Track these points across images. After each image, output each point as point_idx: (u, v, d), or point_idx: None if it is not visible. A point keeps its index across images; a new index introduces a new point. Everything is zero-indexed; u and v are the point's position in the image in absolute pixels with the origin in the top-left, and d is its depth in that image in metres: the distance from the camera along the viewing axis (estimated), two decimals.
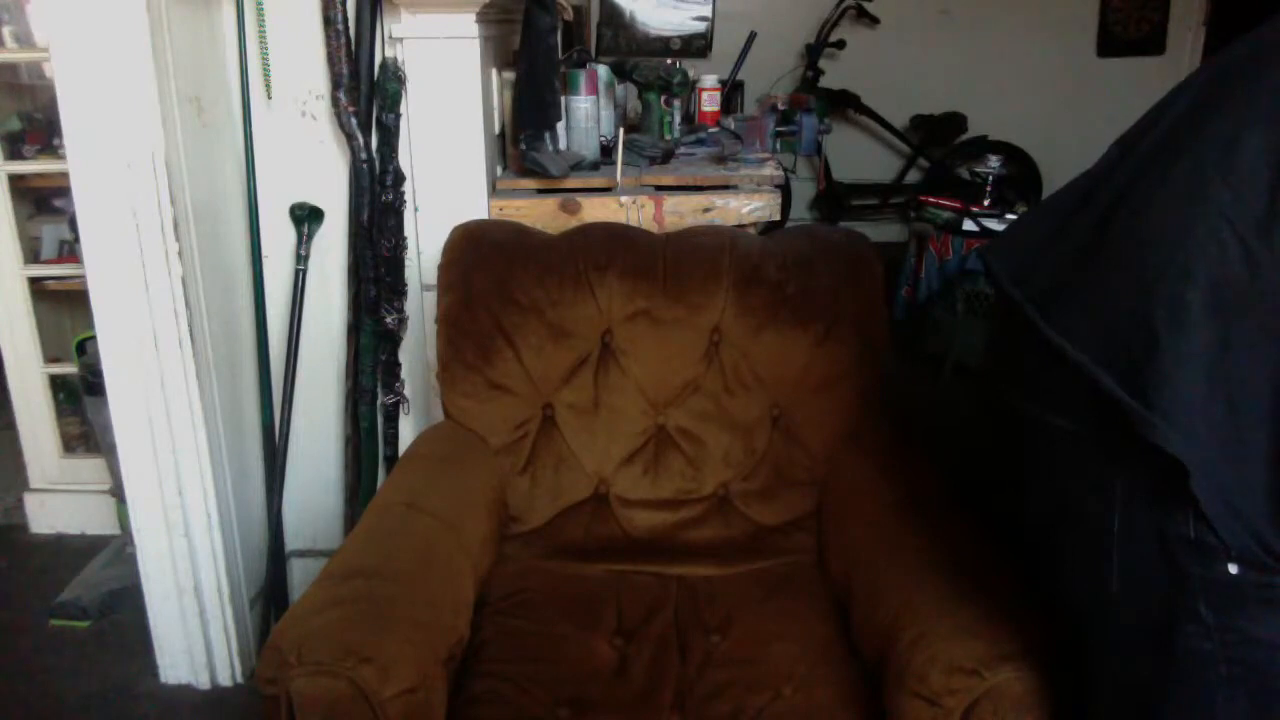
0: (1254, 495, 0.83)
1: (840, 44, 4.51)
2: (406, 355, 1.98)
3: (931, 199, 3.34)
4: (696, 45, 4.64)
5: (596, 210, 1.86)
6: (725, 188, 1.93)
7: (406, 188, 1.87)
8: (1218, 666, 0.87)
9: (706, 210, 1.87)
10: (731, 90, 3.11)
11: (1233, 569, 0.84)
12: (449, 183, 1.86)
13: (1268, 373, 0.81)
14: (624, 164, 1.93)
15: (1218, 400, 0.83)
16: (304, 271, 1.93)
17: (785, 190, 2.89)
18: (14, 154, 2.43)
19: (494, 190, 1.92)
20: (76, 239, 1.80)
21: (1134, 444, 0.85)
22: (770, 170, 2.03)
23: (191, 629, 1.90)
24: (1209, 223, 0.84)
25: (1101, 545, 0.92)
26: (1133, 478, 0.88)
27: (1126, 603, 0.92)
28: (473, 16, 1.75)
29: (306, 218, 1.91)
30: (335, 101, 1.78)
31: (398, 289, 1.90)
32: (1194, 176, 0.86)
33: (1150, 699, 0.92)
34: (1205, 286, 0.83)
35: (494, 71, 1.97)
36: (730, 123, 2.46)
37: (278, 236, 1.93)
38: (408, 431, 2.03)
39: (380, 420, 2.00)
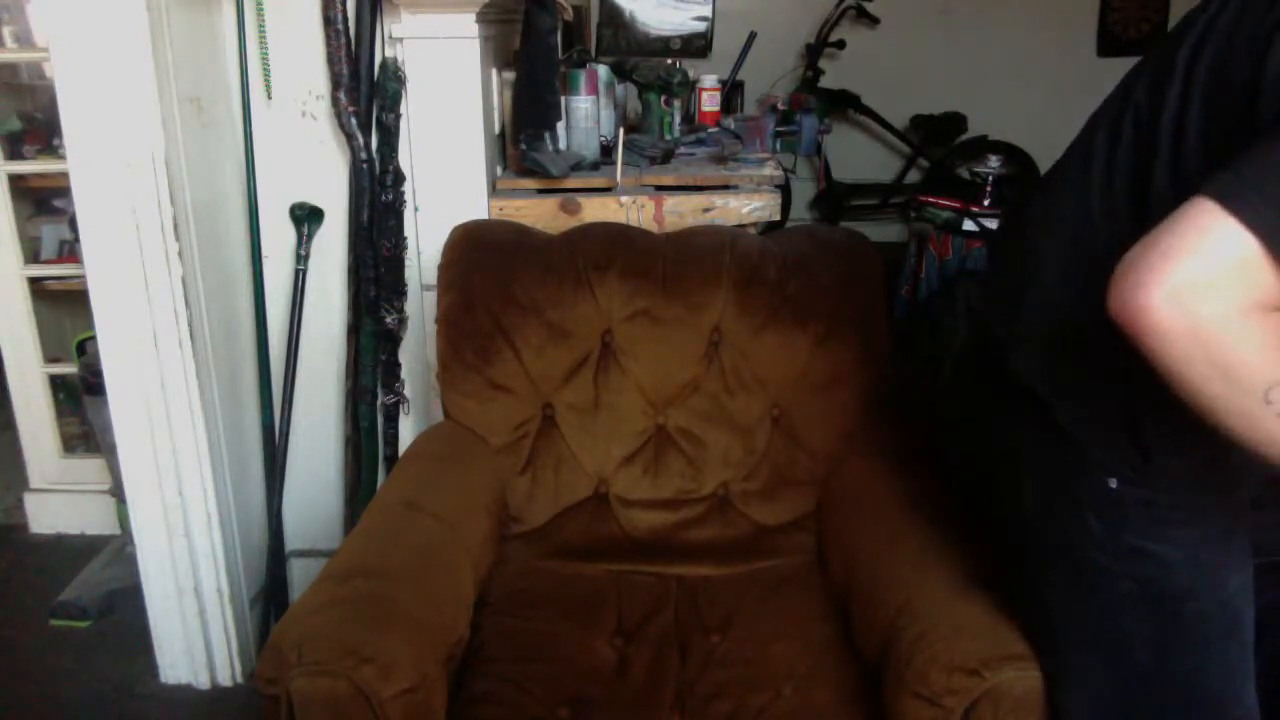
0: (1108, 417, 0.94)
1: (840, 44, 4.50)
2: (406, 355, 1.98)
3: (931, 199, 3.33)
4: (696, 45, 4.63)
5: (596, 210, 1.86)
6: (725, 188, 1.92)
7: (406, 188, 1.87)
8: (1119, 582, 0.96)
9: (706, 210, 1.87)
10: (731, 90, 3.10)
11: (1112, 483, 0.94)
12: (449, 183, 1.86)
13: (1097, 304, 0.90)
14: (624, 164, 1.93)
15: (1066, 333, 0.97)
16: (304, 271, 1.93)
17: (785, 190, 2.89)
18: (14, 154, 2.43)
19: (494, 190, 1.92)
20: (76, 239, 1.80)
21: (1016, 376, 1.01)
22: (770, 170, 2.03)
23: (191, 629, 1.90)
24: (1067, 191, 1.01)
25: (1020, 473, 1.04)
26: (1031, 410, 1.00)
27: (1041, 525, 1.03)
28: (473, 16, 1.75)
29: (306, 218, 1.91)
30: (335, 101, 1.78)
31: (398, 289, 1.90)
32: (1070, 156, 1.03)
33: (1070, 618, 1.02)
34: (1057, 245, 1.01)
35: (494, 71, 1.97)
36: (730, 123, 2.46)
37: (278, 236, 1.93)
38: (408, 431, 2.02)
39: (380, 420, 2.00)
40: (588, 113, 2.00)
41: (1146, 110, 0.93)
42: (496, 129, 2.01)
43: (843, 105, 4.55)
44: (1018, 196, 1.32)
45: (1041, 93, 4.66)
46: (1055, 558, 1.02)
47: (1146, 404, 0.90)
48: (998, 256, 1.18)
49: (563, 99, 1.96)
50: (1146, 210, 0.89)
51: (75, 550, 2.46)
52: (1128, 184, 0.94)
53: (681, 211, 1.87)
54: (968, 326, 1.23)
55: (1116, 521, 0.95)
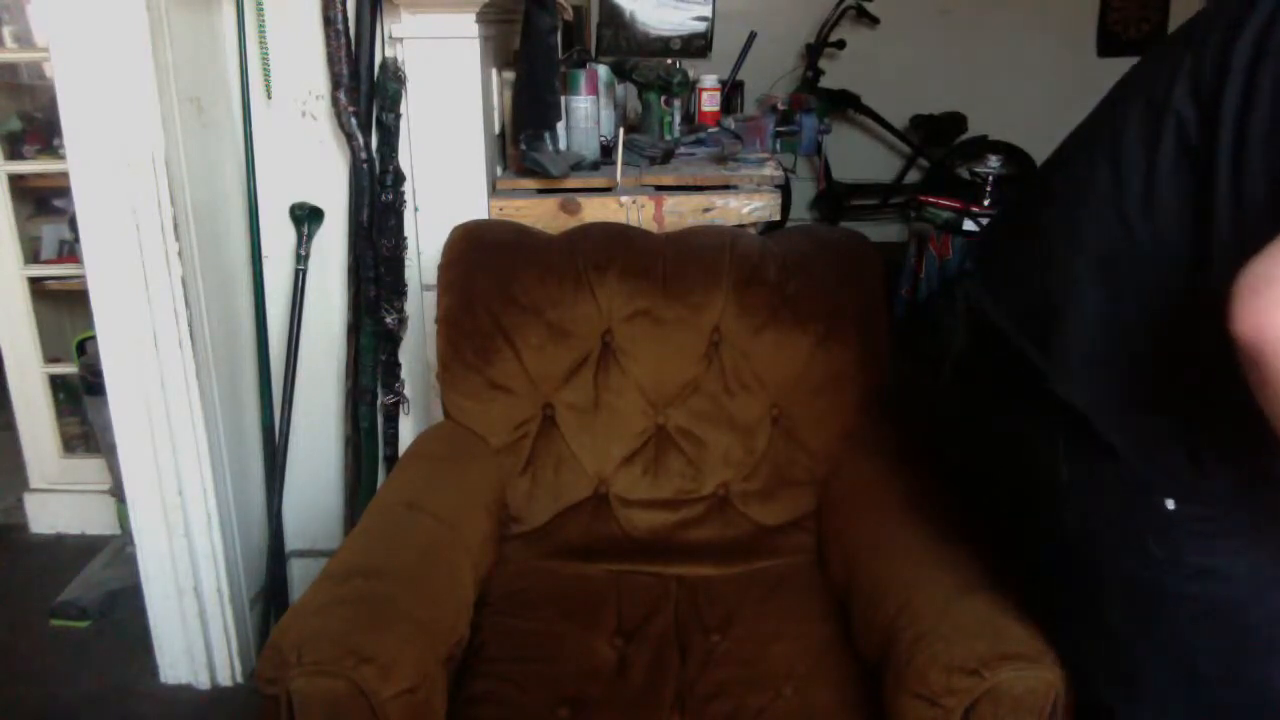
0: (1164, 437, 0.92)
1: (840, 44, 4.50)
2: (406, 355, 1.98)
3: (931, 199, 3.33)
4: (696, 45, 4.63)
5: (596, 210, 1.86)
6: (725, 188, 1.92)
7: (406, 188, 1.87)
8: (1184, 602, 0.94)
9: (706, 210, 1.87)
10: (731, 90, 3.10)
11: (1170, 504, 0.92)
12: (449, 183, 1.86)
13: (1157, 324, 0.88)
14: (624, 164, 1.93)
15: (1113, 351, 0.94)
16: (304, 271, 1.93)
17: (785, 190, 2.89)
18: (14, 154, 2.43)
19: (494, 190, 1.92)
20: (76, 239, 1.80)
21: (1058, 400, 0.96)
22: (770, 170, 2.03)
23: (191, 629, 1.90)
24: (1099, 210, 0.97)
25: (1057, 494, 1.01)
26: (1071, 432, 0.97)
27: (1089, 552, 1.00)
28: (473, 16, 1.75)
29: (306, 218, 1.91)
30: (335, 101, 1.78)
31: (398, 289, 1.90)
32: (1090, 169, 0.99)
33: (1134, 647, 0.99)
34: (1095, 259, 0.96)
35: (494, 71, 1.97)
36: (730, 123, 2.46)
37: (278, 236, 1.93)
38: (408, 431, 2.02)
39: (380, 420, 2.00)
40: (588, 113, 2.00)
41: (1194, 115, 0.90)
42: (496, 129, 2.01)
43: (843, 105, 4.55)
44: (1016, 197, 1.32)
45: (1041, 93, 4.66)
46: (1111, 585, 0.99)
47: (1208, 421, 0.89)
48: (1008, 266, 1.12)
49: (563, 99, 1.96)
50: (1208, 223, 0.86)
51: (75, 550, 2.46)
52: (1174, 194, 0.91)
53: (681, 211, 1.87)
54: (965, 329, 1.21)
55: (1177, 542, 0.93)
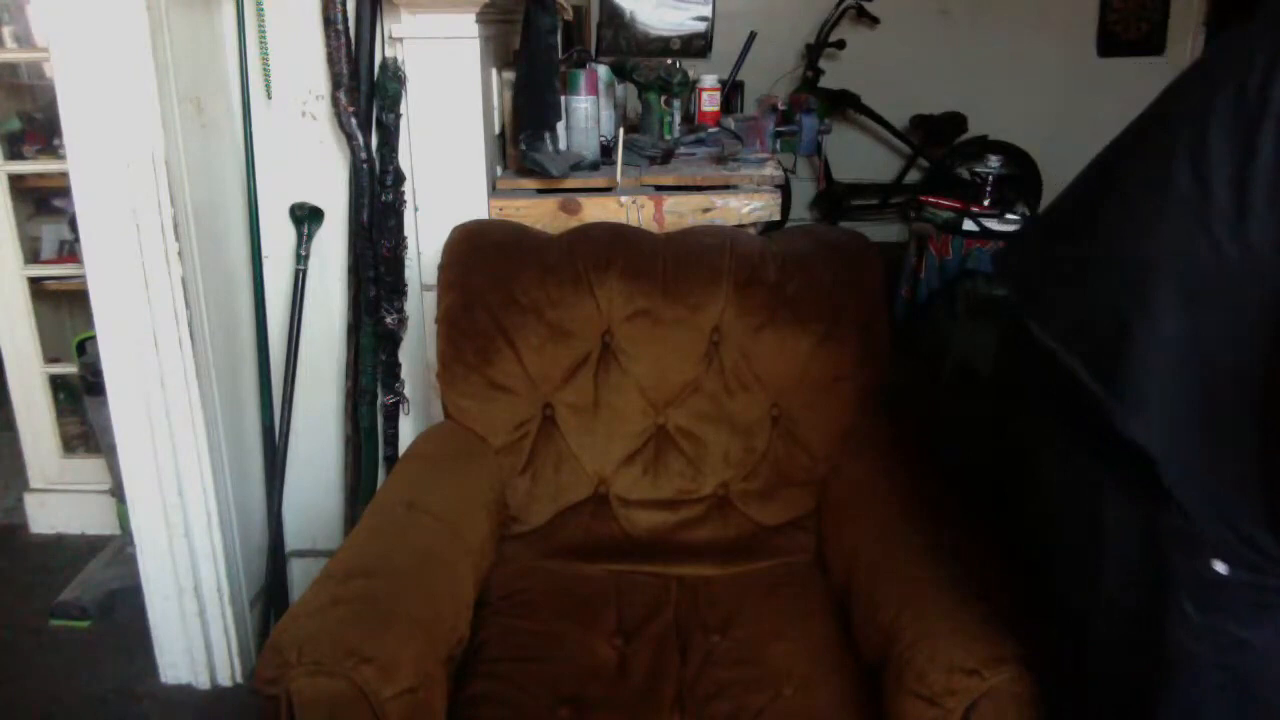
0: (1238, 491, 0.80)
1: (840, 44, 4.51)
2: (406, 355, 1.98)
3: (931, 199, 3.34)
4: (696, 45, 4.63)
5: (596, 210, 1.86)
6: (725, 188, 1.92)
7: (406, 188, 1.87)
8: (1209, 672, 0.84)
9: (706, 210, 1.87)
10: (731, 90, 3.10)
11: (1220, 568, 0.81)
12: (449, 183, 1.86)
13: (1247, 364, 0.78)
14: (624, 164, 1.93)
15: (1191, 391, 0.81)
16: (304, 271, 1.93)
17: (785, 190, 2.88)
18: (14, 154, 2.43)
19: (494, 190, 1.92)
20: (76, 239, 1.80)
21: (1116, 436, 0.84)
22: (770, 170, 2.03)
23: (191, 629, 1.90)
24: (1176, 217, 0.82)
25: (1094, 541, 0.90)
26: (1117, 470, 0.86)
27: (1118, 601, 0.90)
28: (472, 16, 1.75)
29: (306, 218, 1.91)
30: (335, 101, 1.78)
31: (398, 289, 1.90)
32: (1166, 174, 0.85)
33: (1143, 702, 0.90)
34: (1174, 276, 0.82)
35: (494, 71, 1.97)
36: (730, 123, 2.46)
37: (278, 236, 1.93)
38: (408, 431, 2.02)
39: (380, 420, 2.00)
40: (588, 113, 1.99)
41: None
42: (496, 129, 2.01)
43: (843, 105, 4.55)
44: (1069, 201, 1.02)
45: (1041, 93, 4.67)
46: (1134, 641, 0.90)
47: None
48: (1060, 279, 0.97)
49: (563, 99, 1.96)
50: None
51: (75, 550, 2.46)
52: (1273, 208, 0.77)
53: (681, 211, 1.87)
54: (1004, 347, 1.09)
55: (1219, 610, 0.83)
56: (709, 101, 2.47)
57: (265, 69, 1.82)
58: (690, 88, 2.37)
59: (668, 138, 2.22)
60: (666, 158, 2.07)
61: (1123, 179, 0.91)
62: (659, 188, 1.92)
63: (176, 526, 1.83)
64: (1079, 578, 0.95)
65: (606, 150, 2.02)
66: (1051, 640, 1.06)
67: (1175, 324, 0.81)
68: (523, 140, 1.87)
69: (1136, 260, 0.85)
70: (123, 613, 2.17)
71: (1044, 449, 1.00)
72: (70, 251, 2.49)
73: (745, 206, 1.88)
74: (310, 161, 1.89)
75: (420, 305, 1.94)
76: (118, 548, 2.37)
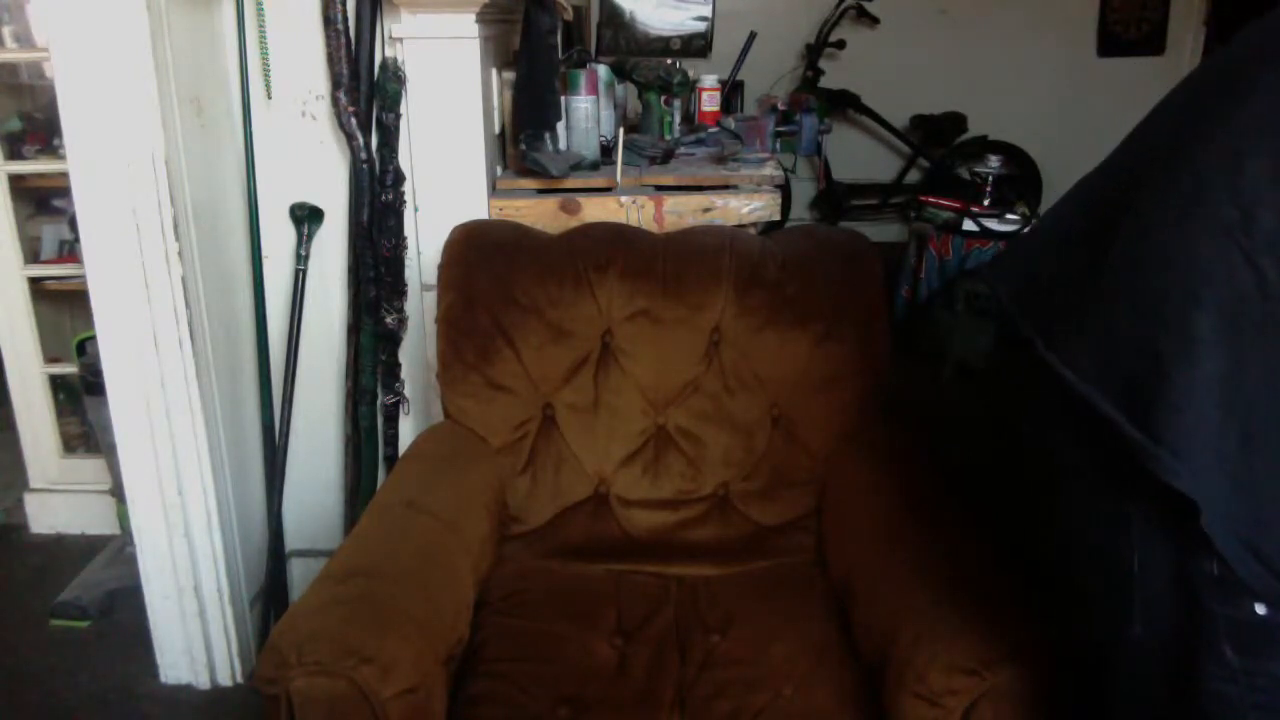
0: (1276, 533, 0.76)
1: (840, 44, 4.51)
2: (406, 355, 1.98)
3: (931, 199, 3.34)
4: (696, 45, 4.64)
5: (596, 210, 1.86)
6: (725, 188, 1.92)
7: (406, 188, 1.87)
8: (1247, 713, 0.81)
9: (706, 210, 1.87)
10: (731, 90, 3.11)
11: (1260, 609, 0.77)
12: (449, 183, 1.86)
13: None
14: (624, 164, 1.93)
15: (1231, 431, 0.76)
16: (304, 271, 1.93)
17: (785, 190, 2.89)
18: (14, 154, 2.43)
19: (494, 190, 1.92)
20: (76, 239, 1.80)
21: (1148, 479, 0.79)
22: (770, 170, 2.03)
23: (191, 629, 1.90)
24: (1216, 244, 0.76)
25: (1123, 586, 0.85)
26: (1149, 514, 0.82)
27: (1149, 646, 0.85)
28: (472, 16, 1.75)
29: (306, 218, 1.91)
30: (335, 101, 1.79)
31: (398, 289, 1.90)
32: (1197, 194, 0.79)
33: None
34: (1214, 310, 0.76)
35: (494, 71, 1.97)
36: (730, 123, 2.46)
37: (278, 236, 1.93)
38: (408, 431, 2.03)
39: (380, 420, 2.00)
40: (588, 113, 2.00)
41: None
42: (496, 129, 2.01)
43: (843, 105, 4.55)
44: (1084, 208, 0.95)
45: (1041, 93, 4.67)
46: (1163, 683, 0.85)
47: None
48: (1061, 295, 0.91)
49: (563, 99, 1.96)
50: None
51: (75, 550, 2.46)
52: None
53: (681, 211, 1.87)
54: (995, 342, 1.06)
55: (1261, 653, 0.79)
56: (709, 101, 2.47)
57: (265, 69, 1.82)
58: (690, 88, 2.37)
59: (668, 138, 2.22)
60: (666, 158, 2.07)
61: (1138, 200, 0.85)
62: (659, 188, 1.92)
63: (176, 526, 1.83)
64: (1106, 622, 0.90)
65: (606, 150, 2.02)
66: (1068, 671, 1.03)
67: (1216, 362, 0.76)
68: (523, 140, 1.87)
69: (1167, 291, 0.79)
70: (123, 613, 2.17)
71: (1057, 488, 0.95)
72: (70, 251, 2.49)
73: (745, 206, 1.88)
74: (310, 161, 1.89)
75: (420, 305, 1.94)
76: (118, 548, 2.37)
